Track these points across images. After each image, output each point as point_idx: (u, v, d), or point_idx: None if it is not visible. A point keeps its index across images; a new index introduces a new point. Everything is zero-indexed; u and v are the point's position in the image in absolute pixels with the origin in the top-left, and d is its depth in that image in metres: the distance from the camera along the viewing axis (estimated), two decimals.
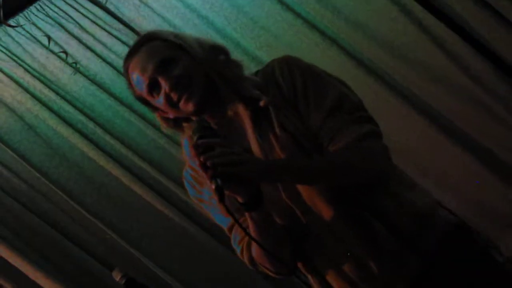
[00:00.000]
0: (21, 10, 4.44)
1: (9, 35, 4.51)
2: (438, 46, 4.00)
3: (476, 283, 2.26)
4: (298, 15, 4.19)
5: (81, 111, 4.51)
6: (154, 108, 2.34)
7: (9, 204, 4.56)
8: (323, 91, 2.30)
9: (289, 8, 4.20)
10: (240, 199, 2.13)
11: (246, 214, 2.18)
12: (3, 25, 4.43)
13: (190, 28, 4.36)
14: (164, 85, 2.22)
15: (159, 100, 2.26)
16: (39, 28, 4.50)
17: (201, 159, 2.02)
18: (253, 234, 2.21)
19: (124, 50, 4.41)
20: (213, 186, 2.00)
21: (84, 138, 4.49)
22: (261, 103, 2.25)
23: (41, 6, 4.47)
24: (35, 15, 4.48)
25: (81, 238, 4.62)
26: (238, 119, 2.31)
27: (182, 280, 4.54)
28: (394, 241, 2.25)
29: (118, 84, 4.47)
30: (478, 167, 4.05)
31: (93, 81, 4.52)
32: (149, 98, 2.30)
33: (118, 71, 4.45)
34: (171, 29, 4.31)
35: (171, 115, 2.33)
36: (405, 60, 4.10)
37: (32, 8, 4.46)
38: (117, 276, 2.81)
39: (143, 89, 2.28)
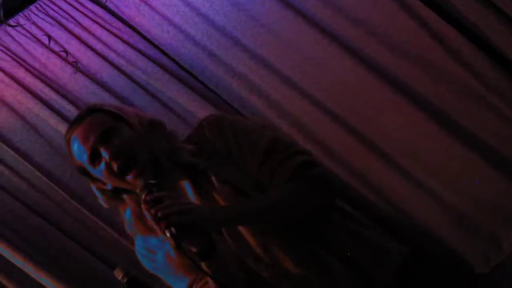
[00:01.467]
0: (21, 10, 4.45)
1: (10, 35, 4.51)
2: (438, 42, 4.00)
3: None
4: (298, 12, 4.19)
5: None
6: (93, 179, 2.40)
7: (11, 203, 4.56)
8: (254, 141, 2.37)
9: (289, 5, 4.20)
10: (194, 249, 2.18)
11: (203, 265, 2.21)
12: (4, 25, 4.43)
13: (190, 26, 4.36)
14: (105, 154, 2.29)
15: (100, 169, 2.32)
16: (40, 28, 4.50)
17: (152, 211, 2.10)
18: (212, 286, 2.29)
19: (125, 49, 4.42)
20: (168, 234, 2.06)
21: None
22: (200, 167, 2.33)
23: (41, 6, 4.47)
24: (35, 15, 4.48)
25: (83, 237, 4.62)
26: (178, 186, 2.39)
27: None
28: (350, 277, 2.29)
29: (119, 83, 4.47)
30: (480, 163, 4.05)
31: (93, 80, 4.51)
32: (90, 168, 2.36)
33: (118, 69, 4.46)
34: (171, 28, 4.33)
35: (109, 186, 2.39)
36: (406, 56, 4.09)
37: (32, 7, 4.47)
38: (119, 274, 2.80)
39: (83, 159, 2.35)
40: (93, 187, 2.45)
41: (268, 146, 2.35)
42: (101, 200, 2.48)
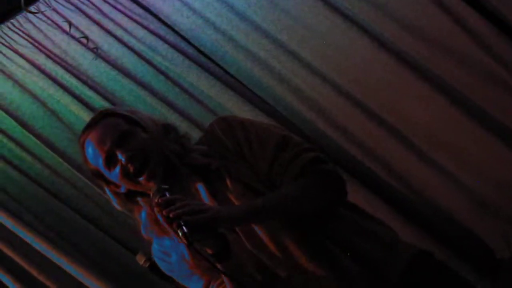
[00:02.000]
0: None
1: (30, 22, 4.53)
2: (459, 25, 3.97)
3: None
4: None
5: (103, 96, 4.52)
6: (107, 182, 2.43)
7: (33, 189, 4.59)
8: (265, 139, 2.40)
9: None
10: (209, 251, 2.22)
11: (219, 266, 2.23)
12: (24, 12, 4.44)
13: (210, 12, 4.35)
14: (121, 157, 2.31)
15: (115, 173, 2.34)
16: (60, 14, 4.51)
17: (164, 213, 2.12)
18: (227, 284, 2.31)
19: (144, 35, 4.43)
20: (180, 234, 2.09)
21: None
22: (213, 167, 2.35)
23: None
24: (56, 1, 4.49)
25: (105, 222, 4.64)
26: (192, 189, 2.39)
27: None
28: (361, 273, 2.30)
29: (140, 69, 4.48)
30: (500, 147, 4.03)
31: (114, 66, 4.52)
32: (105, 171, 2.38)
33: (139, 55, 4.46)
34: (190, 13, 4.33)
35: (123, 189, 2.42)
36: (427, 40, 4.07)
37: None
38: (141, 259, 2.82)
39: (99, 162, 2.37)
40: (107, 190, 2.47)
41: (278, 143, 2.37)
42: (115, 203, 2.50)
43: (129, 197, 2.46)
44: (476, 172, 4.11)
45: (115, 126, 2.37)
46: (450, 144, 4.11)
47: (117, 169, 2.33)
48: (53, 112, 4.57)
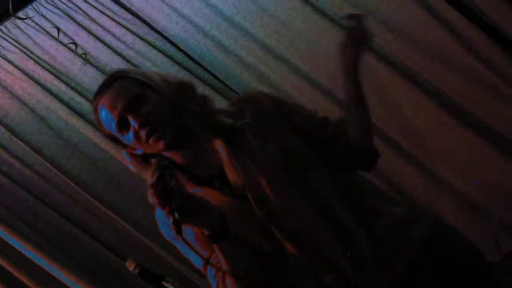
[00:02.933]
0: (30, 2, 4.45)
1: (19, 28, 4.51)
2: (448, 30, 3.99)
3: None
4: (306, 2, 4.18)
5: (91, 101, 4.50)
6: (123, 145, 2.40)
7: (22, 196, 4.58)
8: (308, 110, 2.53)
9: None
10: (206, 232, 2.21)
11: (215, 247, 2.25)
12: (13, 18, 4.43)
13: (199, 17, 4.36)
14: (133, 123, 2.28)
15: (128, 137, 2.32)
16: (48, 20, 4.50)
17: (156, 199, 2.10)
18: (225, 266, 2.29)
19: (134, 40, 4.42)
20: (171, 220, 2.07)
21: (95, 129, 4.49)
22: (237, 126, 2.34)
23: None
24: (44, 7, 4.48)
25: (94, 228, 4.64)
26: (209, 151, 2.37)
27: (196, 269, 4.54)
28: (376, 251, 2.30)
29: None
30: (490, 151, 4.05)
31: (103, 71, 4.51)
32: (118, 136, 2.35)
33: (128, 61, 4.46)
34: (180, 19, 4.33)
35: (139, 151, 2.38)
36: (416, 45, 4.08)
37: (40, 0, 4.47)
38: (130, 265, 2.81)
39: (112, 127, 2.34)
40: (124, 152, 2.44)
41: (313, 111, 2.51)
42: (130, 165, 2.46)
43: (145, 159, 2.41)
44: (466, 176, 4.12)
45: (127, 90, 2.33)
46: (440, 148, 4.12)
47: (130, 133, 2.30)
48: (42, 118, 4.56)
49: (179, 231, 2.07)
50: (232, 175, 2.33)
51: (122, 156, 4.37)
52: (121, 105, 2.30)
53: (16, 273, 4.43)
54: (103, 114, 2.34)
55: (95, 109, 2.38)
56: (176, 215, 2.08)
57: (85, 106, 4.49)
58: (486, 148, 4.04)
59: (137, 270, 2.79)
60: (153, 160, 2.39)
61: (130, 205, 4.56)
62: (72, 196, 4.61)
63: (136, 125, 2.27)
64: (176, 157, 2.39)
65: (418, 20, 4.04)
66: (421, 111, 4.08)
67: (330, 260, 2.30)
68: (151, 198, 2.12)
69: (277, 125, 2.38)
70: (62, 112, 4.49)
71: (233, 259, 2.28)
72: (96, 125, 2.42)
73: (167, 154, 2.38)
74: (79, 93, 4.51)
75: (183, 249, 2.41)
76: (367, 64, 4.02)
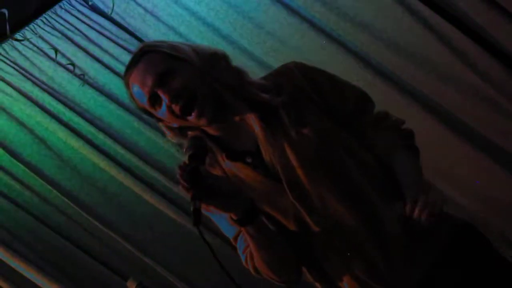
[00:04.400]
0: (28, 24, 4.46)
1: (16, 49, 4.53)
2: (444, 44, 4.00)
3: (485, 281, 2.27)
4: (303, 19, 4.19)
5: (90, 122, 4.52)
6: (158, 119, 2.36)
7: (22, 217, 4.58)
8: (348, 84, 2.44)
9: (294, 12, 4.20)
10: (233, 216, 2.20)
11: (242, 229, 2.24)
12: (10, 39, 4.44)
13: (196, 36, 4.37)
14: (164, 98, 2.24)
15: (162, 112, 2.28)
16: (46, 41, 4.51)
17: (182, 183, 2.09)
18: (252, 247, 2.28)
19: None
20: (192, 208, 2.05)
21: (94, 149, 4.50)
22: (273, 103, 2.29)
23: (47, 19, 4.48)
24: (42, 28, 4.49)
25: (95, 249, 4.63)
26: (244, 125, 2.34)
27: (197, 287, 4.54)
28: (407, 239, 2.26)
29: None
30: (488, 164, 4.05)
31: (101, 92, 4.53)
32: (151, 110, 2.32)
33: None
34: (176, 38, 4.34)
35: (175, 125, 2.35)
36: (412, 59, 4.09)
37: (38, 21, 4.47)
38: (132, 285, 2.82)
39: (145, 102, 2.30)
40: (160, 124, 2.40)
41: (358, 93, 2.43)
42: (168, 136, 2.42)
43: (182, 131, 2.37)
44: (465, 188, 4.12)
45: (155, 64, 2.28)
46: (438, 161, 4.12)
47: (163, 109, 2.26)
48: (41, 139, 4.57)
49: (197, 221, 2.05)
50: (267, 154, 2.29)
51: (121, 176, 4.40)
52: (150, 80, 2.25)
53: None
54: (135, 90, 2.31)
55: (127, 85, 2.35)
56: (198, 203, 2.06)
57: (84, 126, 4.50)
58: (484, 161, 4.04)
59: None
60: (189, 133, 2.36)
61: (130, 225, 4.56)
62: (73, 217, 4.61)
63: (167, 100, 2.23)
64: (211, 129, 2.35)
65: (415, 35, 4.04)
66: (419, 125, 4.05)
67: (358, 246, 2.27)
68: (178, 180, 2.09)
69: (312, 106, 2.33)
70: (61, 133, 4.50)
71: (259, 242, 2.27)
72: (130, 100, 2.37)
73: (204, 127, 2.35)
74: (78, 113, 4.52)
75: (216, 219, 2.38)
76: (364, 79, 4.08)
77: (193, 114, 2.24)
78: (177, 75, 2.26)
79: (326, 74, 2.42)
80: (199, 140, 2.26)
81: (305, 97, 2.33)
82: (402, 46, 4.09)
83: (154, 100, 2.27)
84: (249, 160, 2.33)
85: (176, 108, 2.24)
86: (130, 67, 2.34)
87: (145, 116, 4.35)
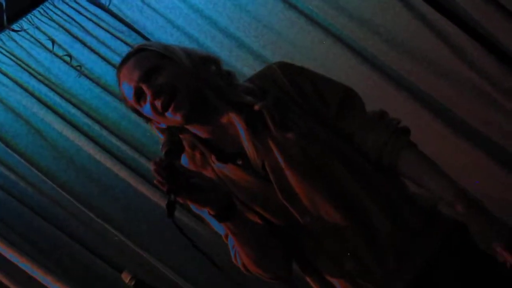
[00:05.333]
0: (25, 14, 4.45)
1: (13, 40, 4.52)
2: (442, 40, 4.00)
3: (477, 283, 2.28)
4: (301, 12, 4.19)
5: (86, 113, 4.51)
6: (147, 118, 2.38)
7: (17, 208, 4.57)
8: (333, 84, 2.42)
9: (292, 5, 4.20)
10: (210, 211, 2.22)
11: (223, 224, 2.25)
12: (7, 30, 4.43)
13: (194, 28, 4.36)
14: (148, 93, 2.27)
15: (146, 108, 2.30)
16: (43, 32, 4.50)
17: (157, 177, 2.10)
18: (235, 243, 2.31)
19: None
20: (166, 201, 2.09)
21: (90, 141, 4.50)
22: (256, 107, 2.30)
23: (44, 10, 4.48)
24: (39, 19, 4.48)
25: (90, 240, 4.62)
26: (231, 127, 2.35)
27: (192, 281, 4.54)
28: (399, 237, 2.27)
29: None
30: (485, 161, 4.04)
31: (98, 83, 4.52)
32: (137, 107, 2.34)
33: None
34: (174, 30, 4.33)
35: (163, 125, 2.36)
36: (410, 55, 4.09)
37: (35, 12, 4.47)
38: (126, 278, 2.81)
39: (131, 98, 2.32)
40: (152, 127, 2.42)
41: (347, 91, 2.41)
42: (161, 139, 2.41)
43: (172, 132, 2.37)
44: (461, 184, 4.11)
45: (144, 60, 2.32)
46: (435, 158, 4.11)
47: (148, 104, 2.28)
48: (36, 130, 4.56)
49: (170, 214, 2.08)
50: (251, 154, 2.31)
51: (117, 168, 4.39)
52: (136, 75, 2.29)
53: (12, 286, 4.42)
54: (124, 86, 2.34)
55: (119, 82, 2.38)
56: (172, 197, 2.08)
57: (80, 118, 4.49)
58: (481, 158, 4.04)
59: (133, 282, 2.79)
60: (182, 136, 2.36)
61: (125, 217, 4.56)
62: (67, 208, 4.60)
63: (150, 96, 2.26)
64: (200, 131, 2.37)
65: (412, 31, 4.04)
66: (416, 120, 4.06)
67: (350, 247, 2.28)
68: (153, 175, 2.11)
69: (295, 107, 2.34)
70: (57, 124, 4.49)
71: (241, 238, 2.29)
72: (121, 97, 2.39)
73: (193, 129, 2.37)
74: (74, 105, 4.52)
75: (205, 216, 2.38)
76: (361, 74, 4.08)
77: (169, 109, 2.26)
78: (163, 72, 2.29)
79: (309, 74, 2.42)
80: (174, 136, 2.29)
81: (288, 99, 2.34)
82: (399, 41, 4.09)
83: (139, 95, 2.30)
84: (239, 162, 2.35)
85: (157, 103, 2.27)
86: (121, 63, 2.38)
87: None
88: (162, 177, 2.09)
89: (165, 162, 2.12)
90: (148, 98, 2.27)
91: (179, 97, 2.27)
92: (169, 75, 2.29)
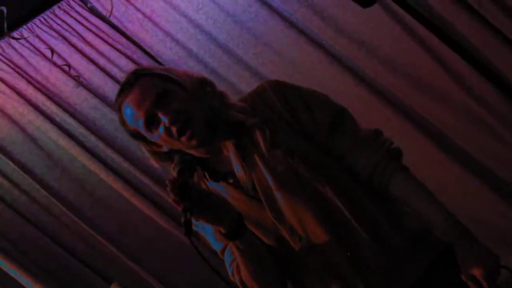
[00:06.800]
0: (25, 23, 4.46)
1: (13, 47, 4.52)
2: (440, 65, 4.02)
3: None
4: (301, 32, 4.20)
5: (83, 124, 4.51)
6: (148, 143, 2.36)
7: (9, 215, 4.56)
8: (325, 103, 2.40)
9: (292, 25, 4.21)
10: (222, 230, 2.23)
11: (231, 244, 2.28)
12: (7, 37, 4.44)
13: (193, 43, 4.38)
14: (164, 119, 2.24)
15: (158, 134, 2.27)
16: (43, 41, 4.50)
17: (171, 196, 2.10)
18: (240, 261, 2.32)
19: (127, 64, 4.43)
20: (182, 220, 2.07)
21: (85, 151, 4.50)
22: (248, 124, 2.30)
23: (45, 19, 4.48)
24: (39, 28, 4.49)
25: (81, 250, 4.62)
26: (224, 147, 2.35)
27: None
28: (386, 260, 2.28)
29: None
30: (478, 185, 4.06)
31: (95, 94, 4.52)
32: (145, 133, 2.31)
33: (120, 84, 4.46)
34: (173, 45, 4.34)
35: (165, 148, 2.35)
36: (408, 78, 4.11)
37: (36, 20, 4.47)
38: None
39: (139, 125, 2.29)
40: (145, 149, 2.41)
41: (335, 114, 2.38)
42: (151, 160, 2.43)
43: (169, 155, 2.38)
44: (453, 209, 4.11)
45: (153, 86, 2.28)
46: (429, 182, 4.12)
47: (160, 130, 2.25)
48: (32, 138, 4.56)
49: (188, 232, 2.06)
50: (240, 175, 2.32)
51: (111, 179, 4.38)
52: (149, 102, 2.25)
53: None
54: (128, 112, 2.29)
55: (119, 108, 2.33)
56: (188, 215, 2.07)
57: (76, 127, 4.49)
58: (474, 183, 4.05)
59: None
60: (176, 156, 2.34)
61: (117, 228, 4.55)
62: (60, 217, 4.59)
63: (166, 121, 2.23)
64: (198, 152, 2.36)
65: (410, 54, 4.06)
66: (411, 144, 4.08)
67: (336, 268, 2.29)
68: (168, 194, 2.11)
69: (285, 126, 2.33)
70: (53, 133, 4.49)
71: (247, 257, 2.30)
72: (120, 123, 2.37)
73: (189, 150, 2.36)
74: (71, 114, 4.52)
75: (202, 232, 2.41)
76: (358, 95, 4.09)
77: (185, 135, 2.24)
78: (174, 96, 2.27)
79: (301, 93, 2.41)
80: (186, 155, 2.30)
81: (277, 117, 2.33)
82: (398, 64, 4.11)
83: (151, 122, 2.27)
84: (230, 180, 2.36)
85: (174, 129, 2.24)
86: (124, 89, 2.33)
87: None
88: (177, 196, 2.09)
89: (179, 181, 2.13)
90: (163, 123, 2.24)
91: (195, 123, 2.25)
92: (180, 99, 2.27)
